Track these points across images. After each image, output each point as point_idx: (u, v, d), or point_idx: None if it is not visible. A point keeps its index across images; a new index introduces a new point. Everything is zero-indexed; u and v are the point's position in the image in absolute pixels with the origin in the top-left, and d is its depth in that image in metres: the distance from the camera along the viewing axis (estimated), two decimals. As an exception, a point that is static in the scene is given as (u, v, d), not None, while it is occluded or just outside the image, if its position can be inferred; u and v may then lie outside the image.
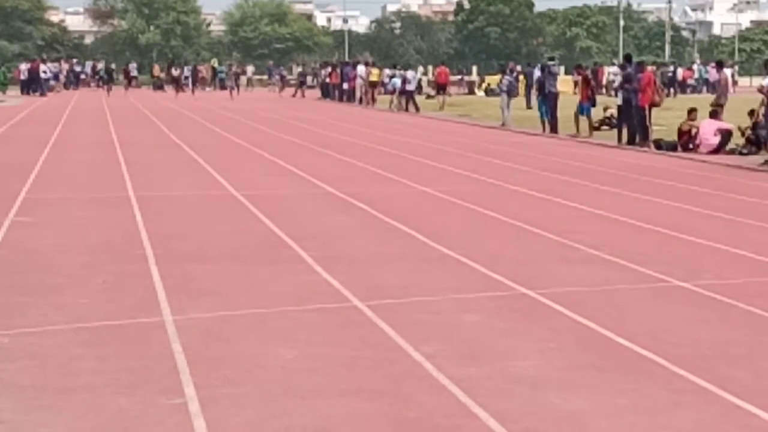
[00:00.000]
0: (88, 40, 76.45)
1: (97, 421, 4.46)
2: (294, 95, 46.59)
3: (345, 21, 78.60)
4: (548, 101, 23.47)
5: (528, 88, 33.48)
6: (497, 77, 34.29)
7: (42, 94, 44.24)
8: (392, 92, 35.25)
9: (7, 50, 61.54)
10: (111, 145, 19.81)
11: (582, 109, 22.13)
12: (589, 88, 22.46)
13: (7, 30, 66.16)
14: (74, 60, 58.55)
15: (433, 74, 42.32)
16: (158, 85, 51.64)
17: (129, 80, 49.83)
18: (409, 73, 34.67)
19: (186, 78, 48.79)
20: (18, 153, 17.99)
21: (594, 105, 22.43)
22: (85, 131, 24.01)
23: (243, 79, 53.44)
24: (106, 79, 49.31)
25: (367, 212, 11.25)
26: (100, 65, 55.51)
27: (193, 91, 47.75)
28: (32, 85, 46.25)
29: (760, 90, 17.46)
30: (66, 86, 51.47)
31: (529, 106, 31.33)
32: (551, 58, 31.19)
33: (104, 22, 74.57)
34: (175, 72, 47.84)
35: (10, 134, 23.18)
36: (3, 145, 20.05)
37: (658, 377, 5.14)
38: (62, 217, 10.75)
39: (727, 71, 27.19)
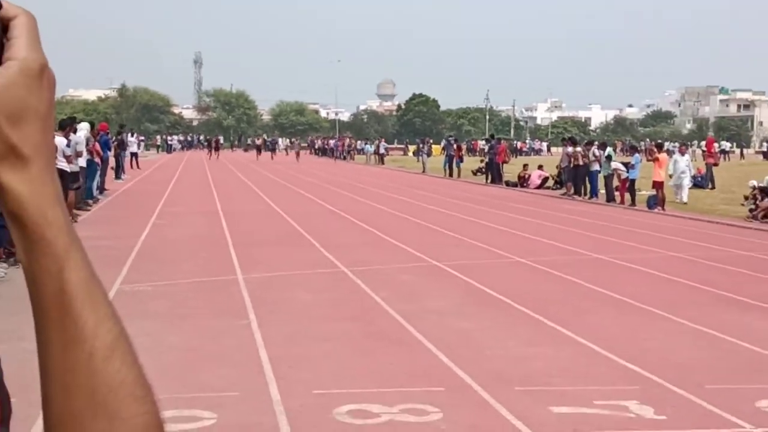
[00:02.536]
0: (195, 123, 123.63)
1: (200, 333, 8.21)
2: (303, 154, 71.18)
3: (336, 114, 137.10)
4: (448, 159, 40.19)
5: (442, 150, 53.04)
6: (414, 147, 69.11)
7: (169, 153, 79.98)
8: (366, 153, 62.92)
9: (149, 129, 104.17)
10: (207, 181, 34.35)
11: (457, 163, 39.29)
12: (460, 151, 40.84)
13: (149, 117, 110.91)
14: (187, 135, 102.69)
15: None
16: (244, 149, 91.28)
17: (216, 146, 68.57)
18: (382, 144, 62.18)
19: (259, 145, 72.41)
20: (156, 184, 30.36)
21: (462, 161, 39.90)
22: (193, 174, 40.09)
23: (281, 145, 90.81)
24: (208, 145, 73.85)
25: (349, 219, 18.69)
26: (201, 137, 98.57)
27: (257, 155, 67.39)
28: (168, 147, 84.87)
29: (565, 154, 29.48)
30: (182, 149, 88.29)
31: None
32: (450, 136, 50.69)
33: (204, 113, 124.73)
34: (258, 141, 73.81)
35: (151, 174, 38.03)
36: (148, 180, 33.13)
37: (507, 310, 9.37)
38: (181, 221, 18.03)
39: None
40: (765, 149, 40.10)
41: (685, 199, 24.43)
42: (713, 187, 30.91)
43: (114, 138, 30.96)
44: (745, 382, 6.66)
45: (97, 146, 22.04)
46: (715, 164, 32.75)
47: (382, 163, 56.48)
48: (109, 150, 26.58)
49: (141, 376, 0.71)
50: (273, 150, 69.43)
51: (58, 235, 0.68)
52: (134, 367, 0.70)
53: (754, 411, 5.97)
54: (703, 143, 51.87)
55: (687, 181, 25.32)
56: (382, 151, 60.30)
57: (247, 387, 6.27)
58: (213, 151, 64.63)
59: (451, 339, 7.90)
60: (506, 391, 6.28)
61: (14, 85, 0.67)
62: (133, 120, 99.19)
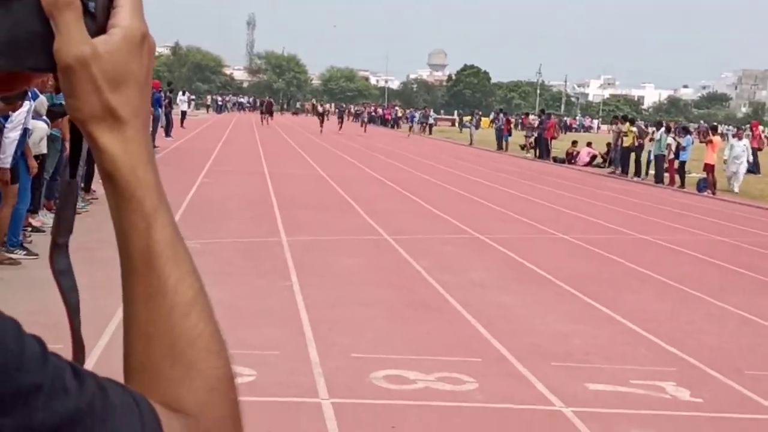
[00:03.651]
0: (245, 84, 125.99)
1: (244, 292, 8.32)
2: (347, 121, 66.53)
3: (386, 82, 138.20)
4: (498, 132, 40.18)
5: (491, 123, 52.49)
6: (468, 117, 63.35)
7: (219, 113, 79.58)
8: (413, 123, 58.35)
9: (200, 88, 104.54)
10: (254, 142, 34.67)
11: (506, 137, 39.18)
12: (509, 125, 40.45)
13: (201, 77, 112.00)
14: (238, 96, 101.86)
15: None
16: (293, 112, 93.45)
17: (270, 110, 61.66)
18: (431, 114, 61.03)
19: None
20: (206, 144, 30.48)
21: (510, 135, 39.57)
22: (241, 134, 40.20)
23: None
24: (260, 108, 63.64)
25: (393, 188, 18.63)
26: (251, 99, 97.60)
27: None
28: (218, 107, 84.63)
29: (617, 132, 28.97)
30: (231, 110, 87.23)
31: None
32: (501, 110, 48.43)
33: (254, 75, 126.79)
34: (320, 108, 60.40)
35: (202, 133, 38.10)
36: (197, 139, 32.99)
37: (549, 285, 9.36)
38: (228, 181, 18.16)
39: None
40: None
41: (736, 189, 23.40)
42: (758, 172, 30.24)
43: (165, 96, 31.24)
44: (786, 371, 6.60)
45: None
46: (759, 149, 31.85)
47: (430, 133, 55.98)
48: (161, 108, 26.85)
49: (217, 332, 0.75)
50: (341, 118, 57.01)
51: (148, 195, 0.73)
52: (211, 323, 0.75)
53: (793, 399, 5.92)
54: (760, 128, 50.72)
55: (743, 168, 24.12)
56: (431, 121, 59.55)
57: (287, 347, 6.37)
58: (266, 115, 56.80)
59: (491, 311, 7.93)
60: (543, 366, 6.30)
61: (117, 51, 0.71)
62: (184, 79, 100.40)
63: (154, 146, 24.44)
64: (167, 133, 30.77)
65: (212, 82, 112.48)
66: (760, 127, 39.42)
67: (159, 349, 0.72)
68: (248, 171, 20.95)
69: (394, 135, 53.44)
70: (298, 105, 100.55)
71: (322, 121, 50.92)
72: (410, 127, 55.47)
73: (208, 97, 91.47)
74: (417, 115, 59.92)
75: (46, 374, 0.62)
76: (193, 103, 69.60)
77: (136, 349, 0.73)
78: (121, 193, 0.72)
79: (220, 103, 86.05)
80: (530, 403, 5.54)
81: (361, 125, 58.24)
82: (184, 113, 41.69)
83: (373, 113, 75.62)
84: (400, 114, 73.72)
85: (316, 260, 9.80)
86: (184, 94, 46.42)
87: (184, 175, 18.16)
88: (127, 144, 0.71)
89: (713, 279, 10.26)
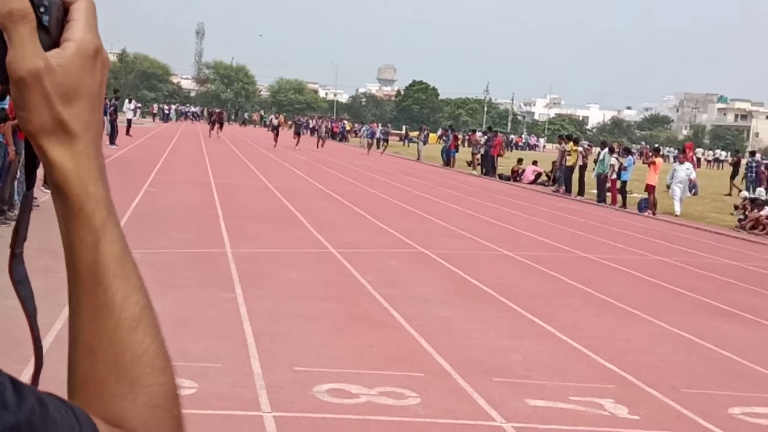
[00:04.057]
0: (192, 93, 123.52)
1: (187, 303, 8.24)
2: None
3: (335, 95, 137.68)
4: (446, 149, 40.72)
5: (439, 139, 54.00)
6: (416, 133, 59.70)
7: (165, 122, 76.15)
8: (363, 136, 56.51)
9: (147, 96, 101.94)
10: (201, 152, 33.52)
11: (452, 153, 39.91)
12: (456, 142, 41.51)
13: (148, 84, 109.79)
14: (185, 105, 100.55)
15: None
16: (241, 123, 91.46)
17: (220, 121, 55.91)
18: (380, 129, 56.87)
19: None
20: (150, 153, 29.31)
21: (457, 151, 40.47)
22: (188, 143, 40.18)
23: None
24: (209, 119, 59.30)
25: (340, 201, 18.74)
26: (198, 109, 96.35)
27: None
28: (163, 116, 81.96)
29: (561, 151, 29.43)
30: (177, 119, 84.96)
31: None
32: (450, 126, 48.81)
33: (202, 85, 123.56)
34: (275, 120, 53.61)
35: (146, 143, 36.66)
36: (142, 148, 32.01)
37: (491, 301, 9.45)
38: (173, 190, 17.93)
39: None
40: (731, 160, 40.10)
41: (678, 212, 23.24)
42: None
43: (110, 104, 30.84)
44: (720, 389, 6.75)
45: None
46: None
47: (378, 148, 55.37)
48: (105, 115, 26.52)
49: (162, 348, 0.75)
50: (298, 134, 49.55)
51: (97, 209, 0.73)
52: (157, 339, 0.75)
53: (726, 417, 6.06)
54: (699, 150, 51.80)
55: (685, 193, 23.93)
56: (379, 135, 57.55)
57: (230, 359, 6.33)
58: (215, 126, 51.43)
59: (434, 326, 7.97)
60: (484, 381, 6.35)
61: (70, 65, 0.71)
62: (130, 86, 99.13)
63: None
64: (112, 141, 30.38)
65: (159, 90, 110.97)
66: (695, 150, 40.12)
67: (103, 365, 0.72)
68: (194, 180, 20.79)
69: (353, 151, 50.82)
70: (246, 116, 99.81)
71: (276, 135, 45.78)
72: (369, 144, 51.33)
73: (155, 105, 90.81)
74: (377, 130, 55.22)
75: None
76: (139, 111, 68.51)
77: (81, 363, 0.73)
78: (70, 207, 0.72)
79: (166, 111, 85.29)
80: (472, 418, 5.58)
81: (318, 141, 50.70)
82: (129, 121, 41.19)
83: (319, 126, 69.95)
84: (348, 128, 73.05)
85: (260, 272, 9.76)
86: (131, 102, 45.81)
87: (129, 184, 17.95)
88: (77, 158, 0.71)
89: (652, 298, 10.46)
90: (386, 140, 53.11)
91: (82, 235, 0.72)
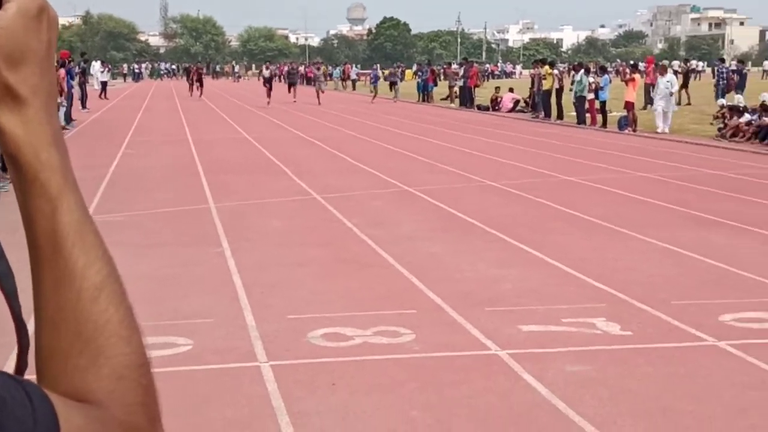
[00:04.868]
0: (161, 50, 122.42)
1: (174, 261, 8.20)
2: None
3: (306, 40, 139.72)
4: (423, 84, 39.84)
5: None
6: (387, 72, 54.22)
7: (136, 81, 75.99)
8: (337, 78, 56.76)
9: (115, 57, 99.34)
10: (177, 110, 32.75)
11: (430, 87, 39.46)
12: (434, 76, 41.24)
13: (115, 45, 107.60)
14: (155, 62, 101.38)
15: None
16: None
17: (200, 78, 46.02)
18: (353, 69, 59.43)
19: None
20: (126, 113, 29.77)
21: (435, 85, 40.40)
22: (161, 102, 39.06)
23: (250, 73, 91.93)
24: (187, 76, 53.87)
25: (320, 146, 18.69)
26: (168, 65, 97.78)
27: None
28: (134, 75, 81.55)
29: (531, 76, 29.43)
30: (154, 77, 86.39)
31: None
32: (428, 60, 49.96)
33: (171, 40, 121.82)
34: (266, 72, 42.74)
35: (120, 103, 36.96)
36: (116, 109, 32.30)
37: (478, 233, 9.48)
38: (151, 150, 17.94)
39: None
40: (680, 69, 38.35)
41: (667, 129, 22.03)
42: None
43: (78, 67, 30.39)
44: (709, 298, 6.83)
45: (62, 73, 21.70)
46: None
47: (354, 89, 55.08)
48: (73, 79, 26.15)
49: (128, 317, 0.73)
50: (293, 84, 41.32)
51: (52, 177, 0.70)
52: (121, 308, 0.72)
53: (718, 324, 6.14)
54: (675, 63, 51.32)
55: (671, 107, 22.72)
56: (353, 76, 57.26)
57: (222, 313, 6.34)
58: (195, 84, 43.92)
59: (422, 262, 8.00)
60: (476, 312, 6.40)
61: (12, 26, 0.67)
62: (98, 48, 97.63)
63: (72, 120, 23.84)
64: (83, 105, 30.03)
65: (127, 49, 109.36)
66: (673, 62, 39.37)
67: (66, 336, 0.70)
68: (171, 139, 20.64)
69: (359, 99, 42.21)
70: (218, 68, 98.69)
71: (269, 90, 37.61)
72: (373, 90, 42.60)
73: (125, 65, 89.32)
74: (383, 73, 48.32)
75: None
76: (108, 72, 66.57)
77: (44, 336, 0.71)
78: (24, 176, 0.69)
79: (137, 71, 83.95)
80: (466, 349, 5.63)
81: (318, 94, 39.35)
82: (104, 84, 40.59)
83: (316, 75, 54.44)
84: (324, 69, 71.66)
85: (245, 224, 9.74)
86: (103, 64, 44.93)
87: (105, 147, 17.84)
88: (27, 125, 0.68)
89: (637, 215, 10.51)
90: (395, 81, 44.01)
91: (39, 205, 0.70)
